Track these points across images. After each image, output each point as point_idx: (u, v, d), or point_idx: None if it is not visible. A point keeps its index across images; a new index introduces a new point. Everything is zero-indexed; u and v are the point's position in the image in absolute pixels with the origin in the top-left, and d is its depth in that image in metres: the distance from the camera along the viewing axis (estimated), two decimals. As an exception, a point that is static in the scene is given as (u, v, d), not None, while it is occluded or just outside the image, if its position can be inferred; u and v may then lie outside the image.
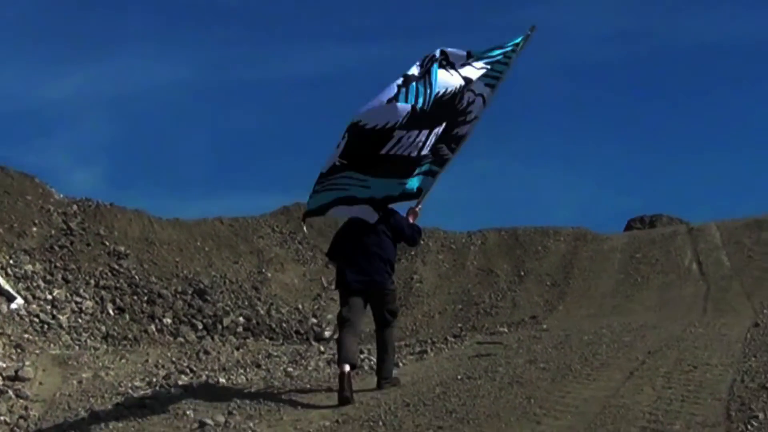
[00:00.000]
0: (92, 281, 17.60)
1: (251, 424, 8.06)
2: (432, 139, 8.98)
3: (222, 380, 10.69)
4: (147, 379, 11.25)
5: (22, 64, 65.46)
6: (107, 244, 19.33)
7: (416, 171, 9.30)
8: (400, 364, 10.58)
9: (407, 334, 17.98)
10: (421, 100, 8.59)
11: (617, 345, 10.91)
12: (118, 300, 17.22)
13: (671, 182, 62.87)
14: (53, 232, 19.14)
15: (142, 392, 10.27)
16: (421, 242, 19.62)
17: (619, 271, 22.52)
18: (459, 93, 9.12)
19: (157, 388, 10.43)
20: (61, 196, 21.18)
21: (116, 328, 16.18)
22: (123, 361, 12.67)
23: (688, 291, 20.17)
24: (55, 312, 15.81)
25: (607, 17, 77.69)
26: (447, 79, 8.92)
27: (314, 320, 19.52)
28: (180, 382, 10.58)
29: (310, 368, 11.24)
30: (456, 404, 8.06)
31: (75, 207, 20.55)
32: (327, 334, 17.80)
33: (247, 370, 11.41)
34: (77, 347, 14.54)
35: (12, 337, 13.84)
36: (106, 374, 11.68)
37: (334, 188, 8.93)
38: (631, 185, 63.74)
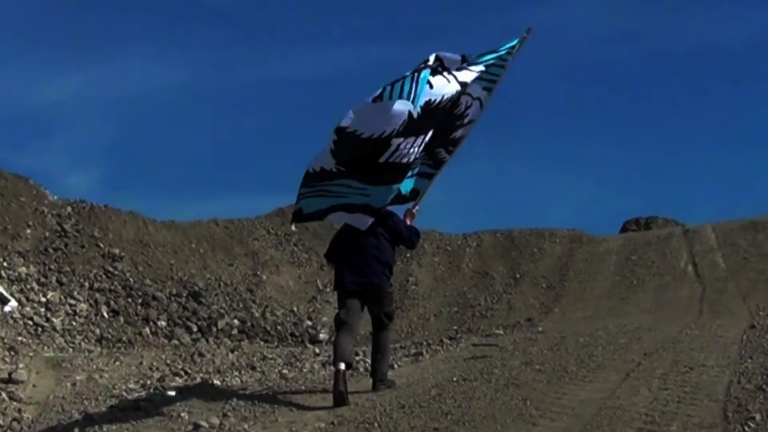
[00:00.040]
0: (86, 284, 17.55)
1: (246, 426, 8.01)
2: (422, 144, 8.93)
3: (217, 382, 10.65)
4: (141, 381, 11.21)
5: (20, 66, 65.50)
6: (102, 246, 19.28)
7: (408, 173, 9.27)
8: (396, 366, 10.54)
9: (402, 336, 17.95)
10: (410, 103, 8.52)
11: (613, 347, 10.88)
12: (112, 302, 17.18)
13: (667, 184, 63.01)
14: (47, 234, 19.09)
15: (136, 394, 10.23)
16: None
17: (615, 273, 22.53)
18: (457, 98, 9.12)
19: (152, 390, 10.39)
20: (56, 197, 21.12)
21: (110, 330, 16.14)
22: (117, 363, 12.64)
23: (683, 293, 20.18)
24: (49, 315, 15.77)
25: (603, 18, 77.85)
26: (444, 87, 8.87)
27: (309, 323, 19.48)
28: (174, 385, 10.54)
29: (305, 370, 11.21)
30: (451, 406, 8.02)
31: (69, 209, 20.50)
32: (322, 336, 17.77)
33: (242, 372, 11.38)
34: (71, 350, 14.50)
35: (5, 340, 13.80)
36: (100, 377, 11.65)
37: (331, 195, 8.85)
38: (626, 187, 63.87)
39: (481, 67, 9.27)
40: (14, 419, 9.69)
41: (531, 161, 67.15)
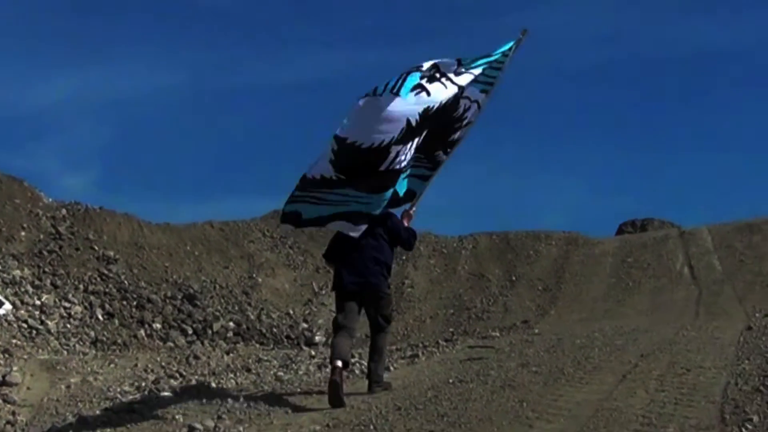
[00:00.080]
0: (81, 286, 17.50)
1: (241, 429, 7.97)
2: (412, 148, 8.95)
3: (212, 385, 10.60)
4: (136, 383, 11.16)
5: (16, 68, 65.41)
6: (96, 248, 19.22)
7: (401, 176, 9.27)
8: (392, 368, 10.51)
9: (398, 339, 17.91)
10: (400, 98, 8.53)
11: (610, 348, 10.85)
12: (107, 305, 17.13)
13: (663, 186, 62.93)
14: (42, 236, 19.04)
15: (131, 397, 10.19)
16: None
17: (611, 275, 22.51)
18: (455, 102, 9.18)
19: (146, 392, 10.35)
20: (50, 200, 21.05)
21: (105, 333, 16.08)
22: (112, 366, 12.59)
23: (679, 295, 20.17)
24: (43, 317, 15.72)
25: (598, 21, 77.92)
26: (441, 93, 8.90)
27: (305, 325, 19.44)
28: (169, 387, 10.49)
29: (300, 372, 11.16)
30: (448, 408, 7.99)
31: (64, 211, 20.43)
32: (318, 338, 17.73)
33: (237, 374, 11.33)
34: (66, 352, 14.44)
35: (0, 343, 13.74)
36: (95, 379, 11.60)
37: (332, 203, 8.85)
38: (622, 189, 63.78)
39: (478, 70, 9.32)
40: (8, 422, 9.66)
41: (526, 163, 67.17)
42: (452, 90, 9.01)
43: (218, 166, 67.46)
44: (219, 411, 8.62)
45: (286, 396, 9.31)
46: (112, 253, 19.22)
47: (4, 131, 55.33)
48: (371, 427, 7.55)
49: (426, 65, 8.93)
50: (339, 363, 8.61)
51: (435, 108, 8.81)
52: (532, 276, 22.90)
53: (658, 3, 76.81)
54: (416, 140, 8.84)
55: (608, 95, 78.76)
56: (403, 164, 8.83)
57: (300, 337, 18.14)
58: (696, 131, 74.42)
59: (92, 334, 15.87)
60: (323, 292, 21.74)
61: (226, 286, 20.60)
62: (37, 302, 16.17)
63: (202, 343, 16.36)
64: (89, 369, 12.27)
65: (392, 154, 8.62)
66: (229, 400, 8.97)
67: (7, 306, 15.37)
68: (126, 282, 18.28)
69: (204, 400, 9.11)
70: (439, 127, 9.18)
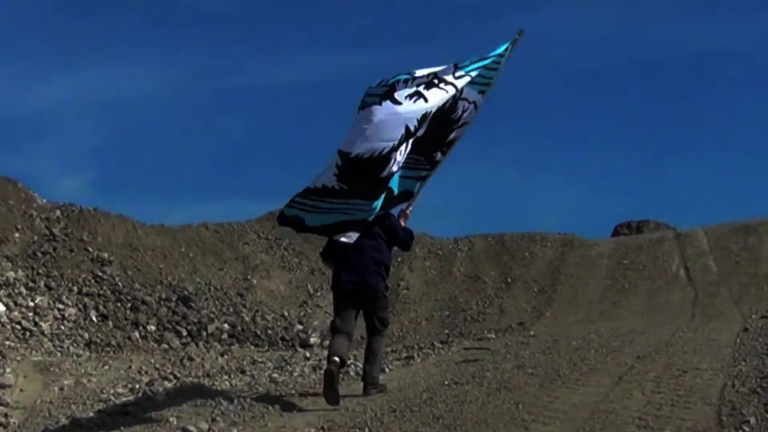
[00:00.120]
0: (75, 288, 17.42)
1: (235, 431, 7.93)
2: (407, 150, 8.99)
3: (206, 386, 10.55)
4: (130, 385, 11.10)
5: (12, 69, 65.24)
6: (90, 250, 19.15)
7: (396, 175, 9.30)
8: (387, 370, 10.47)
9: (394, 340, 17.86)
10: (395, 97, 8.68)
11: (606, 350, 10.82)
12: (101, 307, 17.04)
13: (659, 188, 62.98)
14: (36, 237, 18.96)
15: (124, 399, 10.12)
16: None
17: (607, 277, 22.51)
18: (453, 104, 9.28)
19: (140, 394, 10.28)
20: (44, 201, 20.97)
21: (99, 335, 16.00)
22: (106, 367, 12.52)
23: (675, 296, 20.17)
24: (37, 319, 15.64)
25: (595, 23, 77.90)
26: (440, 97, 9.03)
27: (300, 327, 19.39)
28: (163, 389, 10.44)
29: (295, 374, 11.12)
30: (443, 410, 7.95)
31: (58, 212, 20.34)
32: (313, 340, 17.67)
33: (232, 376, 11.28)
34: (59, 354, 14.37)
35: (-7, 345, 13.68)
36: (88, 381, 11.54)
37: (337, 211, 8.88)
38: (618, 191, 63.85)
39: (475, 72, 9.44)
40: (1, 424, 9.59)
41: (522, 165, 67.27)
42: (451, 92, 9.12)
43: (214, 167, 67.50)
44: (213, 413, 8.57)
45: (280, 398, 9.26)
46: (106, 255, 19.15)
47: (2, 133, 55.29)
48: (366, 429, 7.51)
49: (420, 72, 9.01)
50: (337, 359, 8.62)
51: (433, 112, 8.93)
52: (527, 278, 22.88)
53: (656, 4, 76.93)
54: (411, 141, 8.88)
55: (604, 97, 78.88)
56: (399, 165, 8.87)
57: (295, 338, 18.08)
58: (692, 133, 74.58)
59: (86, 335, 15.79)
60: (318, 293, 21.71)
61: (220, 287, 20.54)
62: (31, 304, 16.10)
63: (197, 344, 16.30)
64: (83, 371, 12.20)
65: (392, 161, 8.72)
66: (224, 402, 8.92)
67: (1, 308, 15.30)
68: (120, 284, 18.20)
69: (198, 402, 9.05)
70: (437, 128, 9.26)
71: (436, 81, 9.01)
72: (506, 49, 9.83)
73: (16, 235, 18.76)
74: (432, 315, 21.12)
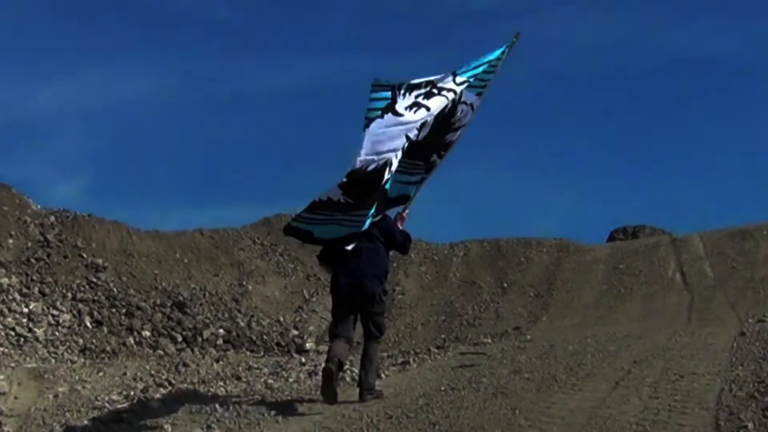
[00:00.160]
0: (69, 294, 17.36)
1: (230, 438, 7.90)
2: (403, 153, 9.05)
3: (201, 393, 10.48)
4: (125, 392, 11.02)
5: (7, 75, 65.18)
6: (85, 256, 19.09)
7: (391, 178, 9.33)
8: (383, 376, 10.42)
9: (390, 346, 17.83)
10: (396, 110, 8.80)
11: (602, 355, 10.78)
12: (95, 313, 16.99)
13: (654, 193, 63.08)
14: (30, 244, 18.90)
15: (119, 406, 10.04)
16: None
17: (603, 281, 22.50)
18: (453, 107, 9.39)
19: (135, 401, 10.21)
20: (39, 207, 20.91)
21: (94, 341, 15.95)
22: (100, 374, 12.44)
23: (671, 301, 20.16)
24: (31, 325, 15.59)
25: (590, 28, 78.07)
26: (441, 103, 9.18)
27: (295, 332, 19.34)
28: (158, 396, 10.37)
29: (291, 380, 11.05)
30: (439, 416, 7.91)
31: (52, 218, 20.29)
32: (308, 345, 17.62)
33: (227, 382, 11.21)
34: (54, 360, 14.30)
35: (-13, 351, 13.62)
36: (83, 388, 11.45)
37: (346, 223, 8.92)
38: (613, 196, 63.91)
39: (472, 77, 9.54)
40: (-6, 432, 9.53)
41: (518, 170, 67.31)
42: (450, 97, 9.26)
43: (209, 174, 67.38)
44: (208, 420, 8.53)
45: (276, 404, 9.21)
46: (100, 261, 19.09)
47: (-3, 139, 55.20)
48: (362, 435, 7.47)
49: (417, 81, 9.14)
50: (336, 359, 8.62)
51: (433, 118, 9.07)
52: (523, 283, 22.87)
53: (651, 10, 77.04)
54: (406, 144, 8.92)
55: (600, 102, 79.05)
56: (394, 169, 8.89)
57: (290, 344, 18.03)
58: (688, 138, 74.68)
59: (81, 341, 15.74)
60: (314, 299, 21.66)
61: (215, 293, 20.49)
62: (25, 310, 16.04)
63: (192, 350, 16.23)
64: (77, 377, 12.12)
65: (391, 167, 8.80)
66: (219, 408, 8.88)
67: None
68: (115, 290, 18.15)
69: (193, 409, 9.02)
70: (436, 131, 9.35)
71: (435, 91, 9.14)
72: (503, 52, 9.92)
73: (10, 241, 18.70)
74: (428, 320, 21.09)
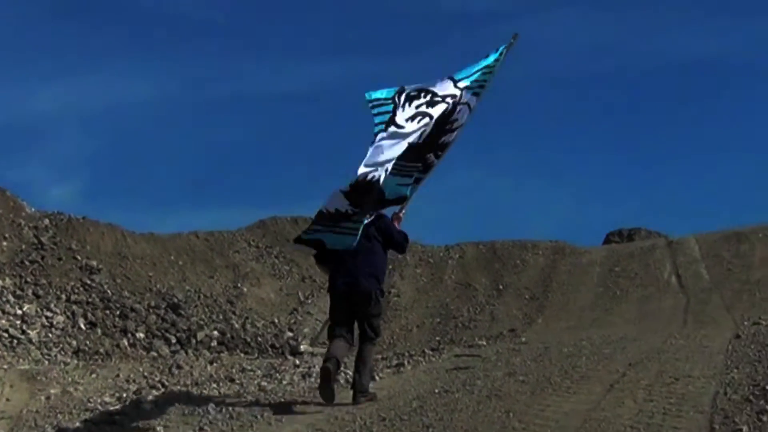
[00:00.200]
0: (63, 296, 17.31)
1: (223, 440, 7.86)
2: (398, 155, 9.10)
3: (194, 395, 10.44)
4: (117, 394, 10.98)
5: (5, 77, 65.08)
6: (79, 258, 19.04)
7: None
8: (377, 378, 10.38)
9: (384, 348, 17.79)
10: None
11: (597, 357, 10.76)
12: (89, 314, 16.93)
13: (650, 196, 63.11)
14: (24, 246, 18.85)
15: (111, 408, 10.00)
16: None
17: (598, 284, 22.50)
18: (452, 109, 9.46)
19: (127, 403, 10.16)
20: (33, 209, 20.88)
21: (88, 342, 15.89)
22: (93, 376, 12.40)
23: (667, 303, 20.14)
24: (24, 327, 15.53)
25: (589, 31, 78.10)
26: (442, 108, 9.29)
27: (290, 334, 19.30)
28: (151, 397, 10.32)
29: (284, 382, 11.01)
30: (433, 419, 7.88)
31: (47, 221, 20.25)
32: (303, 347, 17.56)
33: (220, 384, 11.16)
34: (47, 362, 14.25)
35: (-20, 353, 13.56)
36: (75, 390, 11.41)
37: (357, 233, 8.97)
38: (609, 199, 63.92)
39: (471, 80, 9.66)
40: (-15, 435, 9.48)
41: (513, 172, 67.37)
42: (451, 101, 9.38)
43: (204, 176, 67.32)
44: (201, 422, 8.49)
45: (269, 406, 9.17)
46: (95, 263, 19.04)
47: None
48: (355, 438, 7.44)
49: (415, 91, 9.27)
50: (335, 359, 8.65)
51: (434, 122, 9.18)
52: (519, 285, 22.86)
53: (649, 13, 77.10)
54: (405, 148, 8.99)
55: (597, 104, 79.05)
56: (389, 170, 8.89)
57: (285, 346, 17.96)
58: (684, 141, 74.68)
59: (74, 343, 15.68)
60: (309, 301, 21.63)
61: (210, 295, 20.45)
62: (19, 312, 15.98)
63: (186, 352, 16.18)
64: (70, 379, 12.08)
65: (387, 170, 8.87)
66: (212, 410, 8.84)
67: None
68: (109, 291, 18.09)
69: (186, 411, 8.98)
70: (435, 132, 9.42)
71: (438, 99, 9.28)
72: (501, 53, 9.96)
73: (4, 243, 18.65)
74: (423, 322, 21.07)
